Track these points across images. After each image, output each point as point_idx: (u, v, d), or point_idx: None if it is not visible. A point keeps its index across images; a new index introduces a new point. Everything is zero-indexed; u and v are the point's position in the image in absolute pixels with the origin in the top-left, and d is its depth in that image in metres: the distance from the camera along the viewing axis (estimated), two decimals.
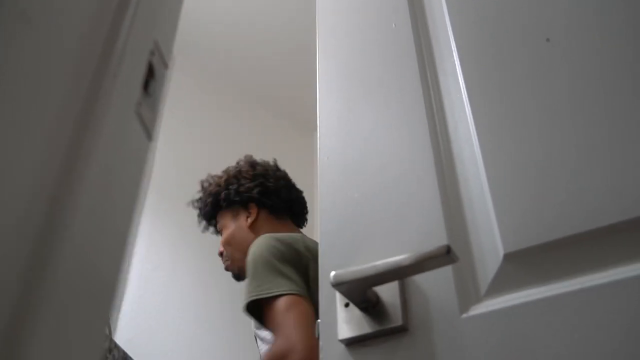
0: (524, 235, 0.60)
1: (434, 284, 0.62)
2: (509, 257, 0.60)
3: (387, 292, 0.64)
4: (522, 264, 0.59)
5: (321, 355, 0.65)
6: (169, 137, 2.62)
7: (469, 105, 0.72)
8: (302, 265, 1.36)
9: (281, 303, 1.25)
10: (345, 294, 0.63)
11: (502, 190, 0.64)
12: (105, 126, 0.31)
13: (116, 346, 0.66)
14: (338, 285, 0.61)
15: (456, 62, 0.77)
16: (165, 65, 0.41)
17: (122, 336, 2.01)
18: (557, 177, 0.61)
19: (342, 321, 0.65)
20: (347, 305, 0.65)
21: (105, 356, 0.63)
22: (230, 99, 2.99)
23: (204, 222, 1.78)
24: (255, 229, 1.64)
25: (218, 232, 1.76)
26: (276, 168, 1.76)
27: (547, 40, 0.70)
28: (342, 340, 0.64)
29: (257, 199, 1.66)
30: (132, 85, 0.35)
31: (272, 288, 1.29)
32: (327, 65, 0.91)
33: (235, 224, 1.67)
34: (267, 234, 1.44)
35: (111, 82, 0.33)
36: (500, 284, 0.59)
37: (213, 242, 2.52)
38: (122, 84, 0.34)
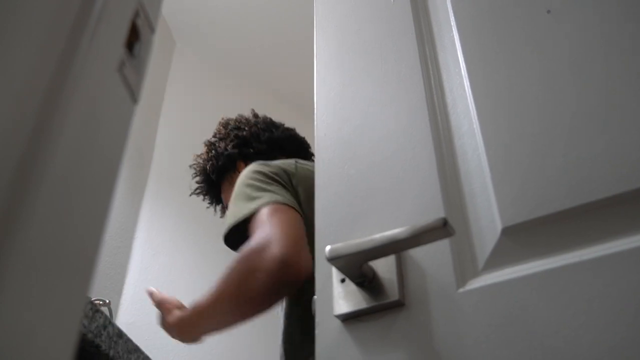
0: (522, 208, 0.59)
1: (431, 258, 0.61)
2: (507, 231, 0.59)
3: (384, 267, 0.63)
4: (521, 238, 0.58)
5: (317, 331, 0.64)
6: (169, 123, 2.61)
7: (467, 79, 0.71)
8: (292, 185, 1.16)
9: (263, 212, 1.04)
10: (341, 268, 0.62)
11: (500, 163, 0.63)
12: (83, 84, 0.30)
13: (110, 323, 0.65)
14: (333, 259, 0.60)
15: (455, 36, 0.76)
16: (152, 29, 0.40)
17: (123, 320, 2.02)
18: (556, 149, 0.60)
19: (338, 297, 0.64)
20: (343, 280, 0.64)
21: (100, 332, 0.62)
22: (231, 84, 2.97)
23: (218, 207, 1.64)
24: None
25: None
26: (253, 115, 1.62)
27: (548, 12, 0.69)
28: (338, 316, 0.63)
29: (236, 154, 1.51)
30: (113, 45, 0.34)
31: (251, 205, 1.07)
32: (325, 42, 0.90)
33: None
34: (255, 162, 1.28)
35: (89, 40, 0.32)
36: (498, 258, 0.58)
37: (214, 227, 2.52)
38: (102, 43, 0.33)
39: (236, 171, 1.51)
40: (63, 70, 0.30)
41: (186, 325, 1.12)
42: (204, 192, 1.64)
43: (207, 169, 1.57)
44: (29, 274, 0.25)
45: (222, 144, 1.55)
